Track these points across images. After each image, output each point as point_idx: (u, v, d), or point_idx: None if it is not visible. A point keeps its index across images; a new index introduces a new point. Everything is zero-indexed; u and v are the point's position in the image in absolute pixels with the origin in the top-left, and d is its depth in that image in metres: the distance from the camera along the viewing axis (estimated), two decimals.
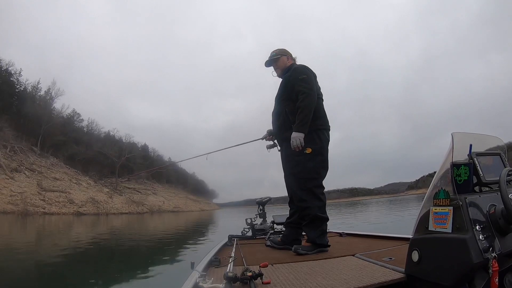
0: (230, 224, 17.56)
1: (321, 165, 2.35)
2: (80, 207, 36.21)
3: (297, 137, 2.25)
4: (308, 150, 2.28)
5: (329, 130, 2.46)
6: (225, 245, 2.75)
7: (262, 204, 3.75)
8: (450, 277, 1.12)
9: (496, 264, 1.05)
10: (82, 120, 57.61)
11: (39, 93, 49.58)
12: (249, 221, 3.57)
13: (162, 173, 70.39)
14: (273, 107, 2.62)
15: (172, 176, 76.60)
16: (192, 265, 1.62)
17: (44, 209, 31.38)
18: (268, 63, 2.64)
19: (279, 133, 2.51)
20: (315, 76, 2.45)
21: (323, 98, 2.50)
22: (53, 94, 50.05)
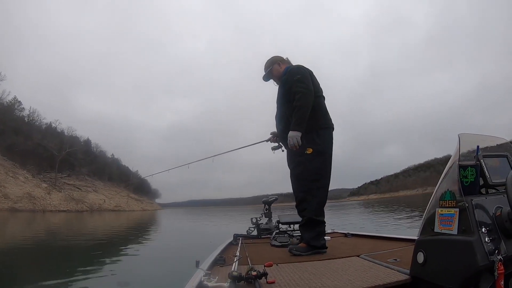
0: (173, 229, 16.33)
1: (322, 165, 2.32)
2: (15, 203, 34.17)
3: (293, 136, 2.24)
4: (309, 151, 2.27)
5: (333, 129, 2.43)
6: (230, 244, 2.77)
7: (268, 203, 3.76)
8: (455, 279, 1.12)
9: (502, 267, 1.04)
10: (23, 109, 54.88)
11: None
12: (254, 220, 3.58)
13: (104, 169, 68.01)
14: (273, 110, 2.61)
15: (114, 173, 74.54)
16: (197, 264, 1.63)
17: None
18: (266, 78, 2.67)
19: (283, 135, 2.51)
20: (311, 74, 2.42)
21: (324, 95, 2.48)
22: None
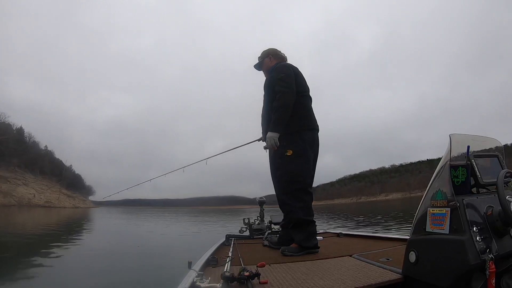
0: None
1: (303, 167, 2.28)
2: None
3: (271, 137, 2.22)
4: (289, 152, 2.24)
5: (317, 130, 2.40)
6: (223, 244, 2.74)
7: (260, 204, 3.76)
8: (447, 278, 1.13)
9: (493, 266, 1.05)
10: None
11: None
12: (246, 220, 3.57)
13: (37, 162, 65.10)
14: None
15: (47, 166, 71.43)
16: (189, 265, 1.61)
17: None
18: (258, 67, 2.68)
19: (266, 135, 2.49)
20: (296, 73, 2.40)
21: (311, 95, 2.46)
22: None
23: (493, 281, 1.05)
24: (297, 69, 2.45)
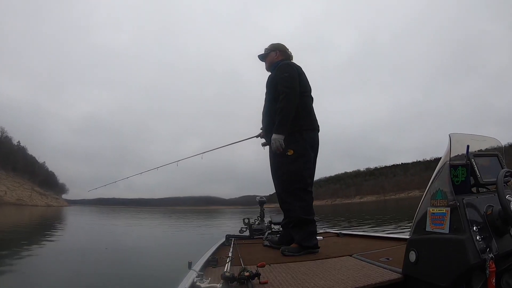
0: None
1: (304, 166, 2.28)
2: None
3: (276, 139, 2.22)
4: (290, 152, 2.25)
5: (317, 130, 2.40)
6: (223, 244, 2.74)
7: (260, 204, 3.76)
8: (447, 277, 1.13)
9: (493, 265, 1.05)
10: None
11: None
12: (246, 220, 3.57)
13: (9, 158, 64.50)
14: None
15: (19, 163, 70.43)
16: (190, 265, 1.61)
17: None
18: (262, 58, 2.67)
19: (267, 131, 2.47)
20: (299, 72, 2.39)
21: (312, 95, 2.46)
22: None
23: (493, 280, 1.05)
24: (301, 68, 2.45)
